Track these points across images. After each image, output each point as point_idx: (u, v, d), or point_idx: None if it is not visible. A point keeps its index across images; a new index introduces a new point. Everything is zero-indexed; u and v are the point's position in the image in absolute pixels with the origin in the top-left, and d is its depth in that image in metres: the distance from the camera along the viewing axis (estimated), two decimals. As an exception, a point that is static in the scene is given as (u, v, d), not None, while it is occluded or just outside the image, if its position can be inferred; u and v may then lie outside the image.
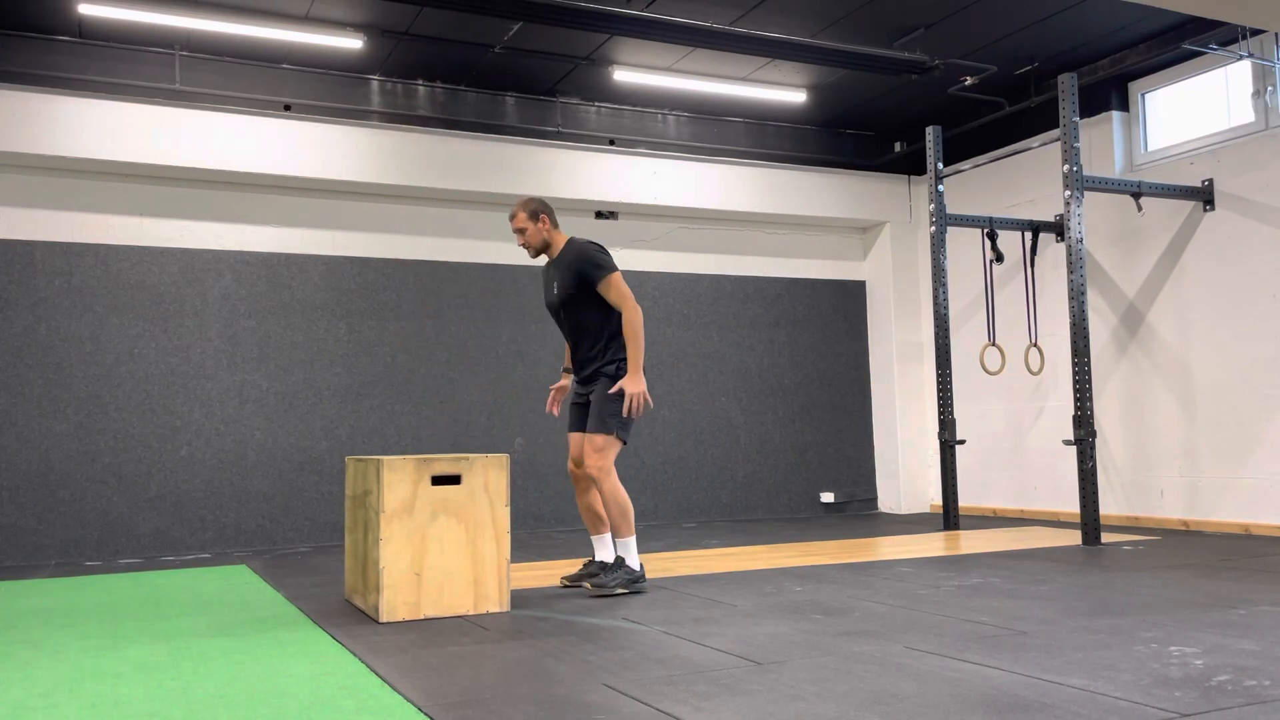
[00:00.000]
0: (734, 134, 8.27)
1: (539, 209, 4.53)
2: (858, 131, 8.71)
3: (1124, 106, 7.29)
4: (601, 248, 4.48)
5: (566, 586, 4.61)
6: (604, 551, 4.64)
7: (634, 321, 4.36)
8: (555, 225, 4.58)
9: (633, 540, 4.42)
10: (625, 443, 4.43)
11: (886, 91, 7.71)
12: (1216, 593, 4.11)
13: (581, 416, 4.57)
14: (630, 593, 4.40)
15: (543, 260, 4.86)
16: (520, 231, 4.54)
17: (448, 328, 7.39)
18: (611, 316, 4.47)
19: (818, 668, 2.94)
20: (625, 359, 4.43)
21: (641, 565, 4.49)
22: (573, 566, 5.37)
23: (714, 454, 8.13)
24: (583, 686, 2.80)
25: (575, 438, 4.61)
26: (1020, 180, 7.97)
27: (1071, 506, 7.34)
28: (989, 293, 7.37)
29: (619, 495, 4.37)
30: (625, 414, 4.34)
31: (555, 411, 4.75)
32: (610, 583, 4.36)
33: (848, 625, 3.58)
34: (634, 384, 4.34)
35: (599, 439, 4.37)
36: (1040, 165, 7.78)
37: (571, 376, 4.69)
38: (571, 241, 4.54)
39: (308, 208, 7.16)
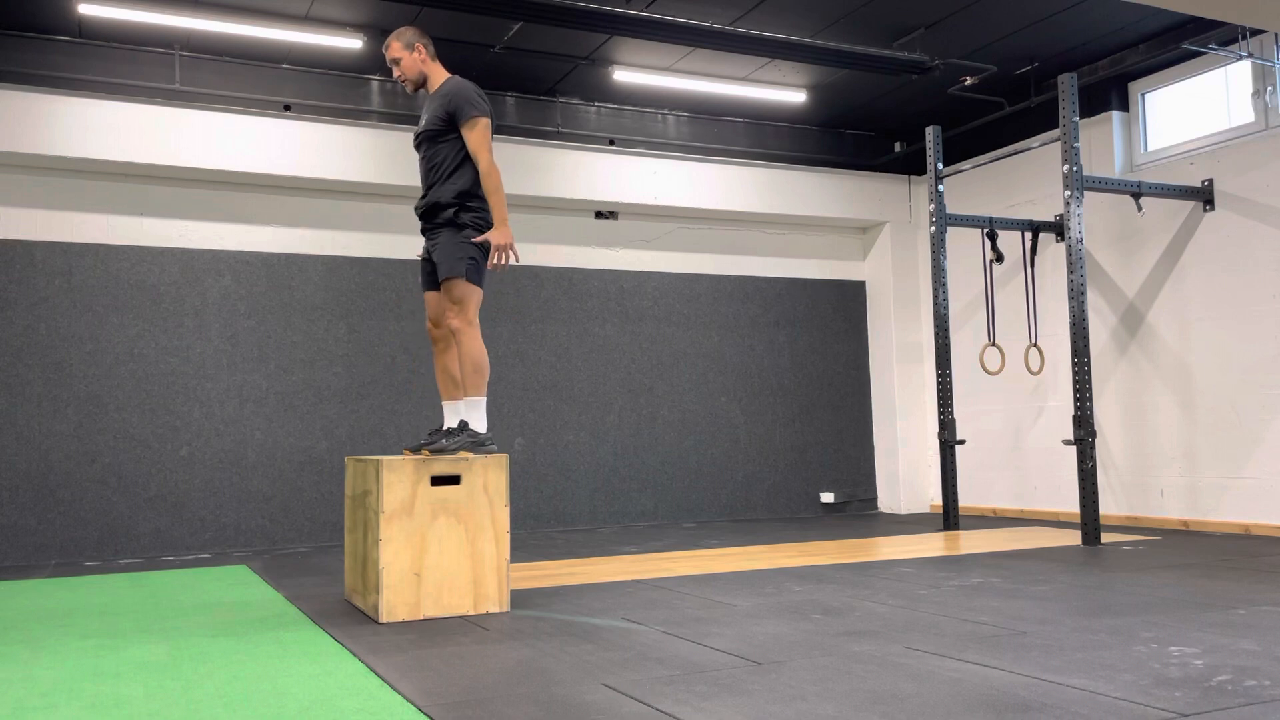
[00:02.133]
0: (734, 134, 8.27)
1: (414, 39, 4.27)
2: (858, 131, 8.71)
3: (1124, 106, 7.29)
4: (481, 92, 4.22)
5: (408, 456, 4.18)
6: (453, 419, 4.29)
7: (491, 174, 4.10)
8: (434, 57, 4.31)
9: (482, 401, 4.14)
10: (481, 287, 4.17)
11: (886, 91, 7.71)
12: (1216, 593, 4.11)
13: (433, 272, 4.26)
14: (478, 455, 4.11)
15: (422, 96, 4.60)
16: (395, 63, 4.27)
17: (448, 328, 7.38)
18: (465, 167, 4.19)
19: (818, 668, 2.94)
20: (470, 207, 4.16)
21: (489, 430, 4.19)
22: (572, 566, 5.37)
23: (714, 454, 8.13)
24: (583, 686, 2.80)
25: (431, 297, 4.29)
26: (1020, 180, 7.97)
27: (1071, 506, 7.34)
28: (989, 293, 7.37)
29: (476, 350, 4.09)
30: (491, 266, 4.09)
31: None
32: (450, 445, 4.07)
33: (848, 625, 3.58)
34: (501, 235, 4.07)
35: (457, 287, 4.09)
36: (1040, 165, 7.78)
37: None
38: (452, 78, 4.28)
39: (308, 208, 7.16)
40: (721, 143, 8.21)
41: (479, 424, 4.14)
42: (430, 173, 4.25)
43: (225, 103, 6.76)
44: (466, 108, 4.15)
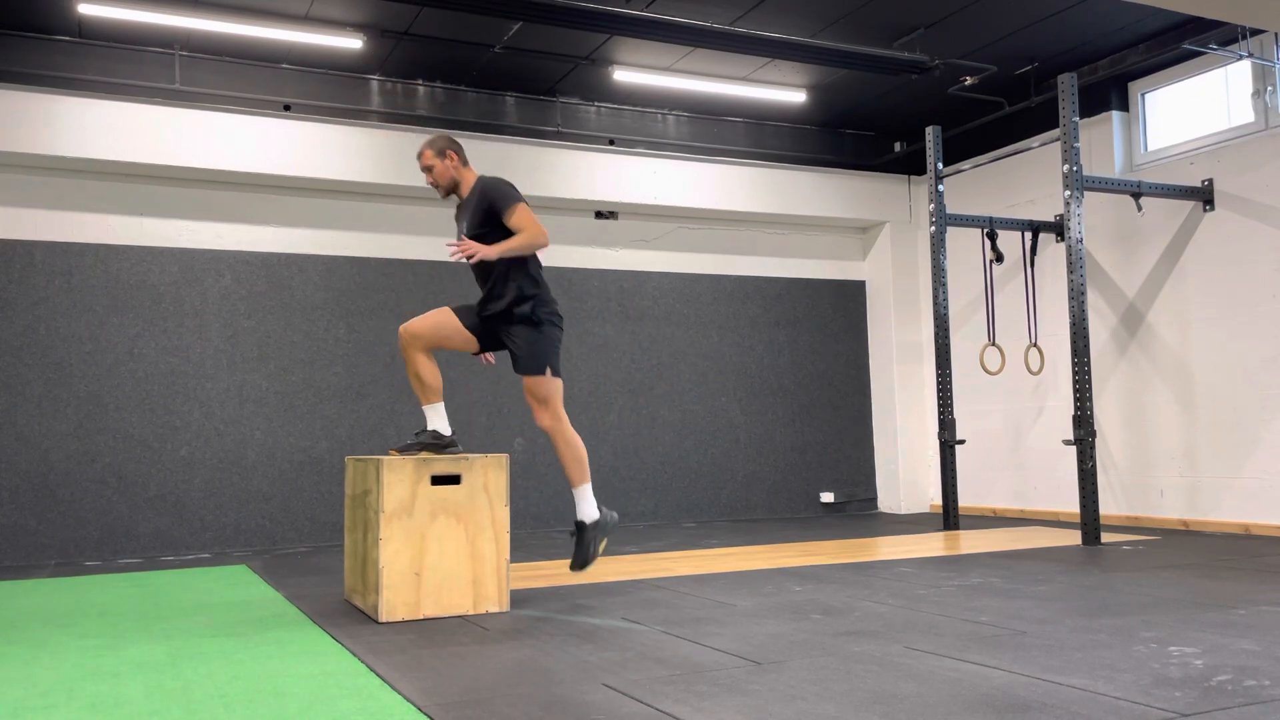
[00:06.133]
0: (734, 134, 8.27)
1: (446, 145, 4.31)
2: (858, 131, 8.71)
3: (1124, 106, 7.29)
4: (509, 183, 4.27)
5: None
6: (436, 419, 4.23)
7: (534, 234, 4.10)
8: (465, 163, 4.36)
9: (588, 487, 4.25)
10: (560, 376, 4.24)
11: (886, 91, 7.71)
12: (1216, 593, 4.11)
13: (469, 319, 4.27)
14: (608, 539, 4.31)
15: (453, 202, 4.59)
16: (428, 170, 4.31)
17: (448, 328, 7.38)
18: (519, 256, 4.20)
19: (818, 668, 2.94)
20: (536, 297, 4.21)
21: (602, 508, 4.33)
22: (573, 566, 5.38)
23: (714, 454, 8.13)
24: (583, 686, 2.80)
25: (448, 321, 4.26)
26: (1020, 180, 7.97)
27: (1071, 506, 7.34)
28: (989, 293, 7.37)
29: (576, 443, 4.21)
30: (451, 244, 4.07)
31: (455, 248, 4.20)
32: (589, 554, 4.23)
33: (848, 625, 3.58)
34: (489, 249, 4.05)
35: (541, 384, 4.17)
36: (1040, 165, 7.78)
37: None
38: (481, 178, 4.32)
39: (308, 208, 7.16)
40: (721, 143, 8.20)
41: (594, 511, 4.30)
42: (484, 275, 4.30)
43: (225, 103, 6.76)
44: (502, 201, 4.17)
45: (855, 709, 2.50)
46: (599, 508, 4.33)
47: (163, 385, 6.62)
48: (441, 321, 4.27)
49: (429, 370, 4.24)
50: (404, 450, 4.13)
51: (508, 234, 4.18)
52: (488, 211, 4.20)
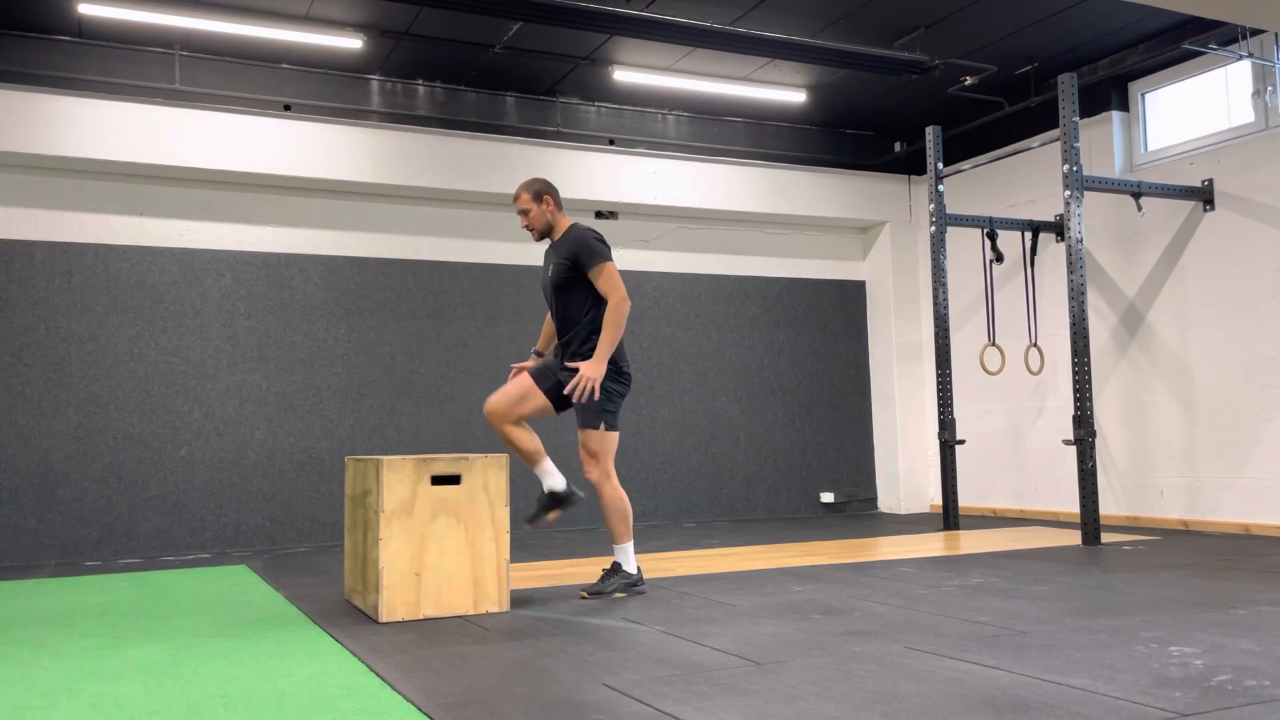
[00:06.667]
0: (734, 134, 8.27)
1: (543, 190, 4.42)
2: (858, 131, 8.71)
3: (1124, 106, 7.29)
4: (601, 237, 4.38)
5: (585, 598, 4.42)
6: (548, 479, 4.37)
7: (618, 310, 4.24)
8: (559, 208, 4.47)
9: (629, 545, 4.40)
10: (618, 430, 4.35)
11: (886, 91, 7.71)
12: (1216, 593, 4.11)
13: (547, 381, 4.33)
14: (628, 596, 4.39)
15: (545, 244, 4.71)
16: (524, 213, 4.43)
17: (448, 328, 7.39)
18: (599, 307, 4.32)
19: (818, 668, 2.94)
20: (613, 358, 4.33)
21: (639, 568, 4.47)
22: (573, 567, 5.39)
23: (714, 454, 8.13)
24: (583, 686, 2.80)
25: (525, 393, 4.29)
26: (1020, 180, 7.97)
27: (1071, 506, 7.34)
28: (989, 293, 7.37)
29: (620, 501, 4.33)
30: (567, 390, 4.20)
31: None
32: (607, 588, 4.36)
33: (848, 625, 3.58)
34: (593, 368, 4.18)
35: (594, 438, 4.27)
36: (1040, 165, 7.78)
37: (539, 359, 4.58)
38: (574, 226, 4.43)
39: (308, 208, 7.16)
40: (721, 143, 8.20)
41: (630, 566, 4.42)
42: (563, 321, 4.41)
43: (225, 103, 6.76)
44: (590, 257, 4.29)
45: (855, 709, 2.50)
46: (638, 568, 4.46)
47: (163, 385, 6.62)
48: (516, 395, 4.32)
49: (522, 439, 4.33)
50: (532, 520, 4.36)
51: (588, 285, 4.31)
52: (575, 261, 4.32)
